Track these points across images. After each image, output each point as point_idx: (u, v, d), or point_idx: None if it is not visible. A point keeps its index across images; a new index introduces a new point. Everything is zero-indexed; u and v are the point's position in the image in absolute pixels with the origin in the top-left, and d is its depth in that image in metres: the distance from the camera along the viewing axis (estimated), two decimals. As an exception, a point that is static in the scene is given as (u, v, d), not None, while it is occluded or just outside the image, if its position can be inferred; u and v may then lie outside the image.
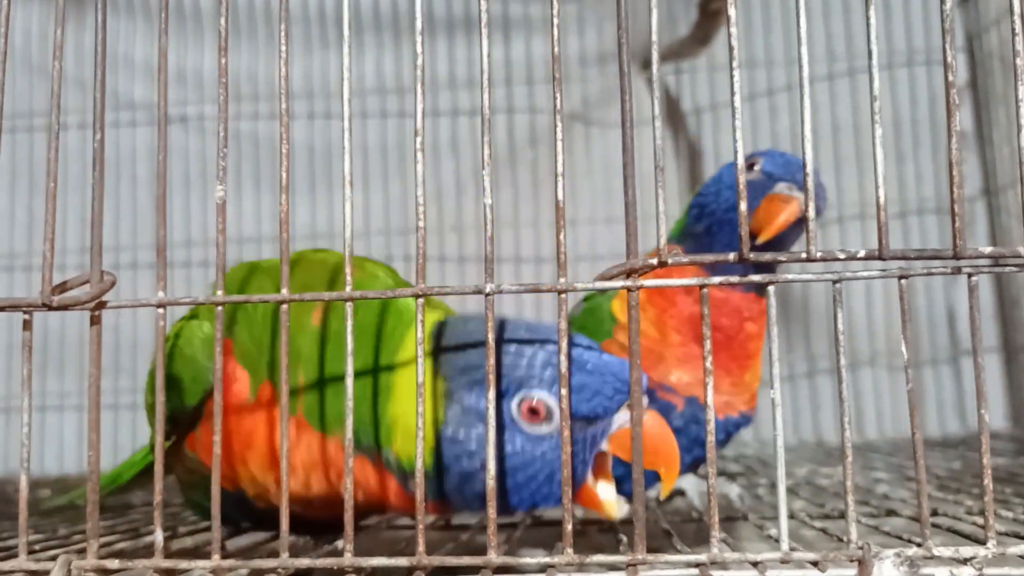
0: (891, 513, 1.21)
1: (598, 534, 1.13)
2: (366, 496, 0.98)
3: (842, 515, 1.23)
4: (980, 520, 1.09)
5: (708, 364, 0.80)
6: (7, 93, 2.57)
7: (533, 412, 0.92)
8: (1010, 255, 0.78)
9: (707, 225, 1.33)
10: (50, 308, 0.83)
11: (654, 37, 0.84)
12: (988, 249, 0.79)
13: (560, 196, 0.83)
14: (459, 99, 2.85)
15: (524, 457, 0.92)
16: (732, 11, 0.83)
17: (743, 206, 0.79)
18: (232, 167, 2.80)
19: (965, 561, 0.77)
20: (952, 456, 1.95)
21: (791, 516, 1.24)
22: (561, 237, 0.82)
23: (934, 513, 1.18)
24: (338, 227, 2.77)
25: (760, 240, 1.25)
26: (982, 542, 0.78)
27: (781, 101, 2.76)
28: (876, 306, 2.59)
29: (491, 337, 0.81)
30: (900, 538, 0.97)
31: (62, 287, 0.84)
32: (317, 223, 2.80)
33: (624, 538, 1.03)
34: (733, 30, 0.82)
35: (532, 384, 0.91)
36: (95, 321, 0.85)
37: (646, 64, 2.86)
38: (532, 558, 0.80)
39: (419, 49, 0.82)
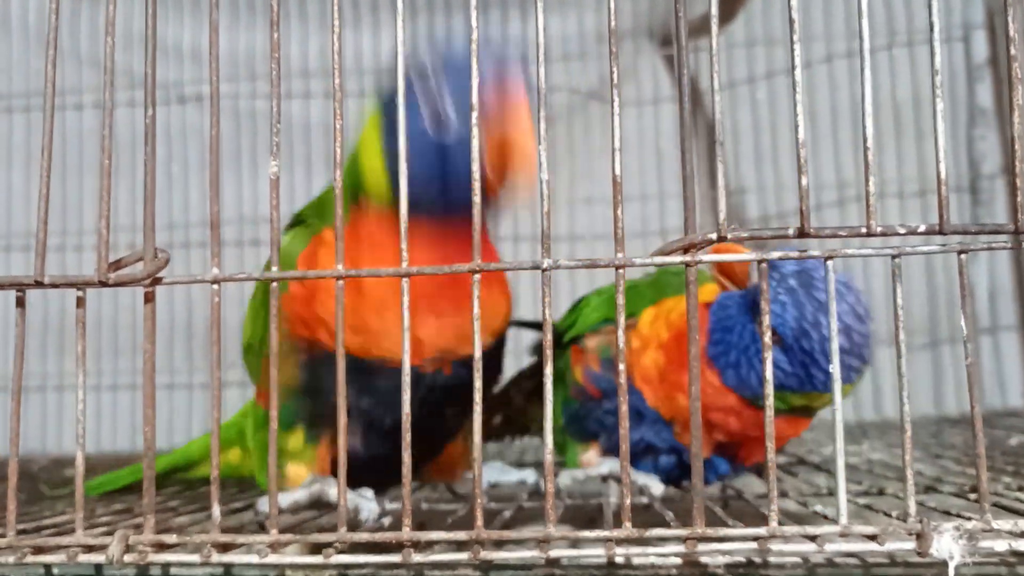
0: (929, 489, 1.21)
1: (643, 512, 1.13)
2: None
3: (880, 492, 1.23)
4: (1022, 495, 1.09)
5: (767, 339, 0.80)
6: (28, 72, 2.56)
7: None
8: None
9: None
10: (106, 285, 0.83)
11: (713, 11, 0.83)
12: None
13: (617, 171, 0.83)
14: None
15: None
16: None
17: (804, 180, 0.79)
18: (251, 146, 2.80)
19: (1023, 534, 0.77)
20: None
21: (829, 494, 1.24)
22: (618, 212, 0.82)
23: (973, 489, 1.18)
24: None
25: None
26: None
27: (803, 78, 2.74)
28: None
29: (547, 312, 0.81)
30: (948, 513, 0.97)
31: (116, 264, 0.84)
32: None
33: (671, 514, 1.03)
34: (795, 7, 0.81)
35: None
36: (149, 298, 0.85)
37: (665, 41, 2.87)
38: (591, 532, 0.80)
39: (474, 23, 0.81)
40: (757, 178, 2.73)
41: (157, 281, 0.84)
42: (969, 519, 0.81)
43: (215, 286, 0.84)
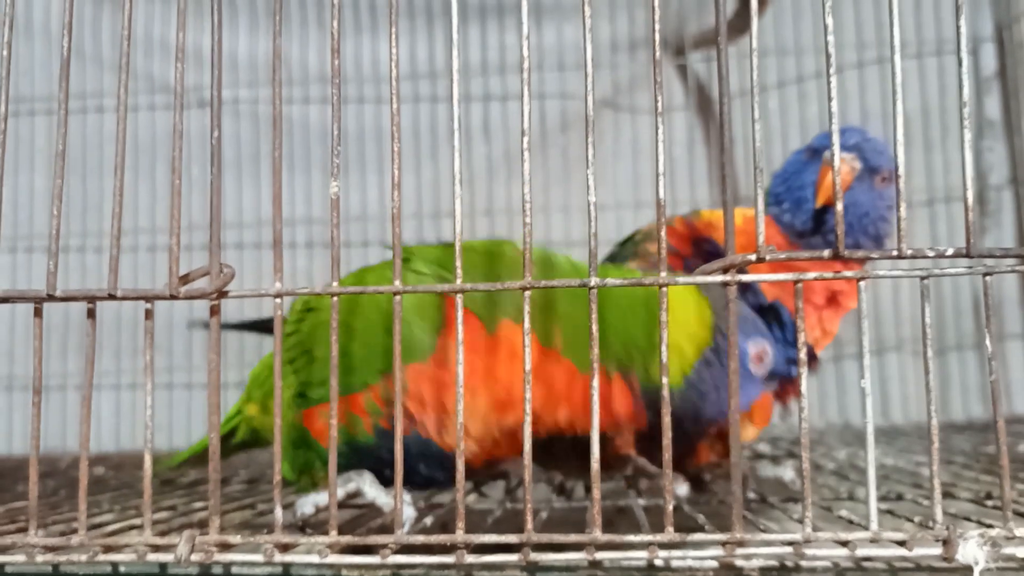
0: (946, 495, 1.26)
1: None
2: (608, 416, 1.12)
3: (899, 497, 1.28)
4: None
5: (802, 355, 0.84)
6: (51, 75, 2.60)
7: (758, 357, 1.17)
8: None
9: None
10: (176, 298, 0.87)
11: (754, 30, 0.87)
12: (1070, 248, 0.83)
13: (662, 194, 0.87)
14: (490, 85, 2.89)
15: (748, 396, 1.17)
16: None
17: (840, 206, 0.83)
18: (264, 152, 2.84)
19: (1045, 542, 0.82)
20: (980, 440, 2.00)
21: (849, 498, 1.29)
22: (662, 233, 0.86)
23: (988, 495, 1.23)
24: (371, 209, 2.81)
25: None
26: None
27: (810, 88, 2.79)
28: (902, 293, 2.64)
29: (595, 328, 0.85)
30: (968, 519, 1.02)
31: (185, 279, 0.88)
32: (350, 206, 2.83)
33: (702, 517, 1.08)
34: (829, 27, 0.85)
35: (757, 335, 1.18)
36: (215, 311, 0.89)
37: (678, 50, 2.91)
38: (635, 536, 0.85)
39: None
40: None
41: (223, 295, 0.89)
42: (991, 526, 0.85)
43: (278, 299, 0.89)
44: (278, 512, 0.87)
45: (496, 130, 2.87)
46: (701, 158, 2.88)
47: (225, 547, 0.87)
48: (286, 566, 0.89)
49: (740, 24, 2.40)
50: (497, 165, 2.85)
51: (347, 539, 0.87)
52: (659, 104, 0.88)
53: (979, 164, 2.66)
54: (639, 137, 2.90)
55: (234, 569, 0.91)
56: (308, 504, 1.14)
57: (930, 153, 2.65)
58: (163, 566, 0.91)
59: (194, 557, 0.86)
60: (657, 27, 0.88)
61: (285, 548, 0.88)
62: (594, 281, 0.86)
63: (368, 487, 1.14)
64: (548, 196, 2.85)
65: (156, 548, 0.88)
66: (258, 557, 0.86)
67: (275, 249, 0.88)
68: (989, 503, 1.18)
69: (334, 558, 0.87)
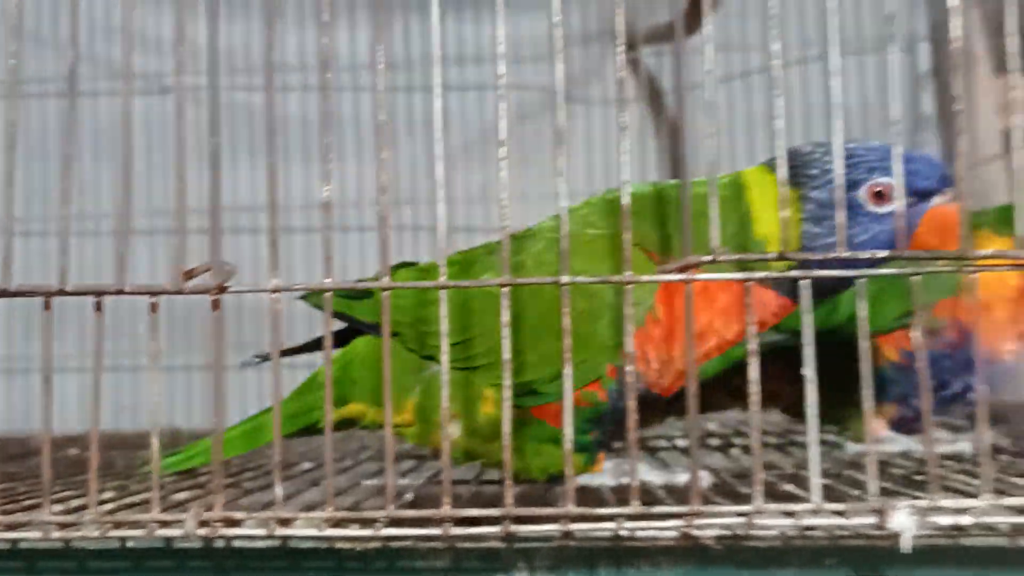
0: (883, 473, 1.38)
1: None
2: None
3: (839, 475, 1.40)
4: (975, 481, 1.26)
5: (754, 345, 0.94)
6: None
7: (879, 195, 1.16)
8: (1012, 255, 0.93)
9: None
10: (181, 293, 0.94)
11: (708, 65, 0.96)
12: (989, 251, 0.94)
13: (626, 201, 0.96)
14: (448, 75, 2.95)
15: (871, 232, 1.16)
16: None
17: (784, 212, 0.93)
18: (227, 137, 2.88)
19: (964, 511, 0.93)
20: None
21: (794, 474, 1.40)
22: (627, 236, 0.95)
23: (917, 472, 1.35)
24: (333, 197, 2.86)
25: None
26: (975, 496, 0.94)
27: (756, 82, 2.90)
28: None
29: (568, 323, 0.94)
30: (902, 493, 1.13)
31: (189, 275, 0.95)
32: (311, 194, 2.88)
33: (662, 492, 1.19)
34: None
35: (876, 174, 1.17)
36: (217, 306, 0.96)
37: (630, 46, 3.00)
38: (604, 509, 0.94)
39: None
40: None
41: (224, 290, 0.96)
42: (920, 498, 0.96)
43: (274, 295, 0.96)
44: (278, 490, 0.95)
45: (454, 120, 2.94)
46: (651, 149, 2.98)
47: (230, 522, 0.95)
48: (285, 539, 0.97)
49: (690, 23, 2.50)
50: (454, 155, 2.92)
51: (342, 514, 0.95)
52: (625, 118, 0.97)
53: (967, 141, 2.79)
54: (592, 128, 2.99)
55: (236, 543, 0.98)
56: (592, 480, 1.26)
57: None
58: (169, 540, 0.98)
59: (200, 532, 0.94)
60: (621, 46, 0.96)
61: (285, 523, 0.95)
62: (565, 279, 0.95)
63: (642, 471, 1.26)
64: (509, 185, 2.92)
65: (164, 524, 0.95)
66: (261, 531, 0.94)
67: (271, 249, 0.96)
68: (920, 478, 1.30)
69: (330, 531, 0.95)
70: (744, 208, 1.19)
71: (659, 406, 1.23)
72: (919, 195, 1.16)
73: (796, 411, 1.79)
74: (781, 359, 1.60)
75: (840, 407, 1.39)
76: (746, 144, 2.78)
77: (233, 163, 2.85)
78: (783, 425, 2.02)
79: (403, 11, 2.97)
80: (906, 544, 0.91)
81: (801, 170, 1.17)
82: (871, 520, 0.92)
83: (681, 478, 1.28)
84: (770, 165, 1.20)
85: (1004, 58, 1.04)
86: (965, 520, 0.92)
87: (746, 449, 1.86)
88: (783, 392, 1.66)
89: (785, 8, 2.89)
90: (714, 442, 1.97)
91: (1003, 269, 1.07)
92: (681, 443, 1.91)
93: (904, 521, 0.91)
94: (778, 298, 1.17)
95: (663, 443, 1.93)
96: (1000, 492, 1.02)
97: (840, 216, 0.95)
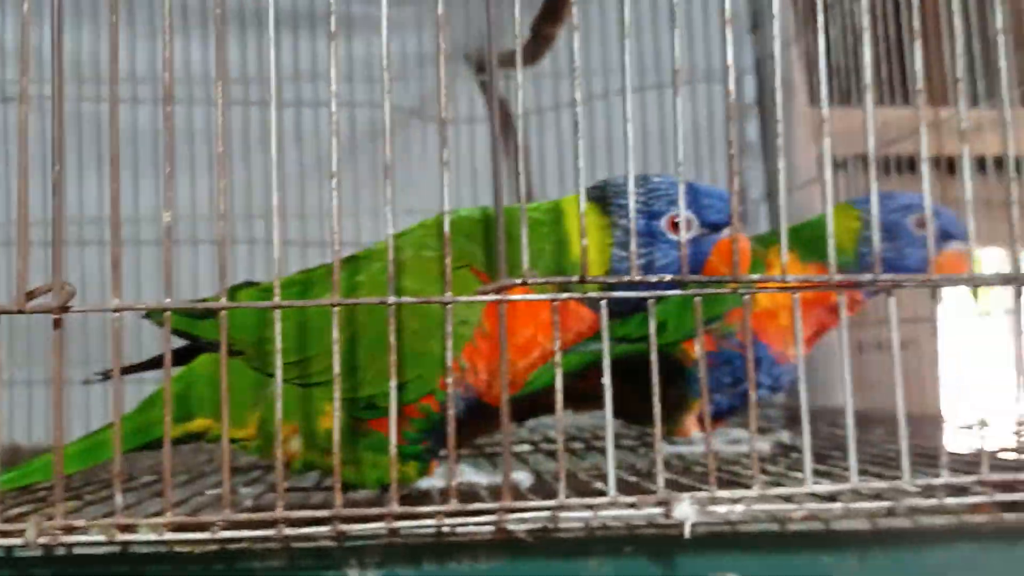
0: (686, 470, 1.53)
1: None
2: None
3: (637, 470, 1.54)
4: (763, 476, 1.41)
5: (559, 359, 1.06)
6: None
7: (677, 226, 1.29)
8: (777, 279, 1.08)
9: None
10: (23, 312, 0.99)
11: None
12: (756, 276, 1.09)
13: (446, 228, 1.06)
14: (302, 91, 3.01)
15: (670, 258, 1.28)
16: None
17: (584, 241, 1.05)
18: (73, 148, 2.85)
19: (738, 500, 1.07)
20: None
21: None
22: (448, 260, 1.05)
23: (719, 469, 1.51)
24: (182, 210, 2.87)
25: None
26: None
27: (598, 108, 3.07)
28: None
29: (393, 340, 1.03)
30: (692, 486, 1.27)
31: (31, 295, 1.00)
32: (179, 205, 2.87)
33: (486, 492, 1.29)
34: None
35: (674, 207, 1.27)
36: (58, 325, 1.01)
37: (480, 67, 3.13)
38: (425, 507, 1.04)
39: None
40: (561, 195, 3.04)
41: (65, 310, 1.01)
42: (703, 490, 1.10)
43: (115, 314, 1.02)
44: (118, 498, 1.01)
45: (308, 135, 2.99)
46: (502, 168, 3.10)
47: (70, 530, 1.00)
48: (125, 544, 1.03)
49: (532, 52, 2.64)
50: (309, 170, 2.97)
51: (181, 518, 1.02)
52: (445, 153, 1.07)
53: (740, 181, 3.03)
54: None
55: (76, 550, 1.04)
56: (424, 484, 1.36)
57: (700, 170, 2.99)
58: (9, 550, 1.02)
59: (41, 540, 0.98)
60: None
61: (125, 528, 1.01)
62: (392, 299, 1.04)
63: (468, 473, 1.40)
64: (358, 200, 3.00)
65: (5, 534, 0.99)
66: (100, 537, 1.00)
67: (113, 271, 1.02)
68: (698, 469, 1.45)
69: (168, 535, 1.01)
70: (562, 233, 1.31)
71: (490, 414, 1.34)
72: (711, 227, 1.32)
73: (625, 414, 1.94)
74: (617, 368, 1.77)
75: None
76: (588, 166, 2.94)
77: (80, 175, 2.83)
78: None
79: (292, 27, 3.02)
80: (688, 531, 1.04)
81: (613, 200, 1.31)
82: (658, 511, 1.05)
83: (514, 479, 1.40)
84: (588, 194, 1.33)
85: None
86: (739, 508, 1.07)
87: (594, 450, 2.00)
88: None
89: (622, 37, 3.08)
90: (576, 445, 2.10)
91: (771, 291, 1.22)
92: (520, 448, 2.03)
93: (686, 511, 1.04)
94: (592, 313, 1.30)
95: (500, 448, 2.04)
96: (775, 484, 1.18)
97: (634, 244, 1.08)
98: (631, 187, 1.09)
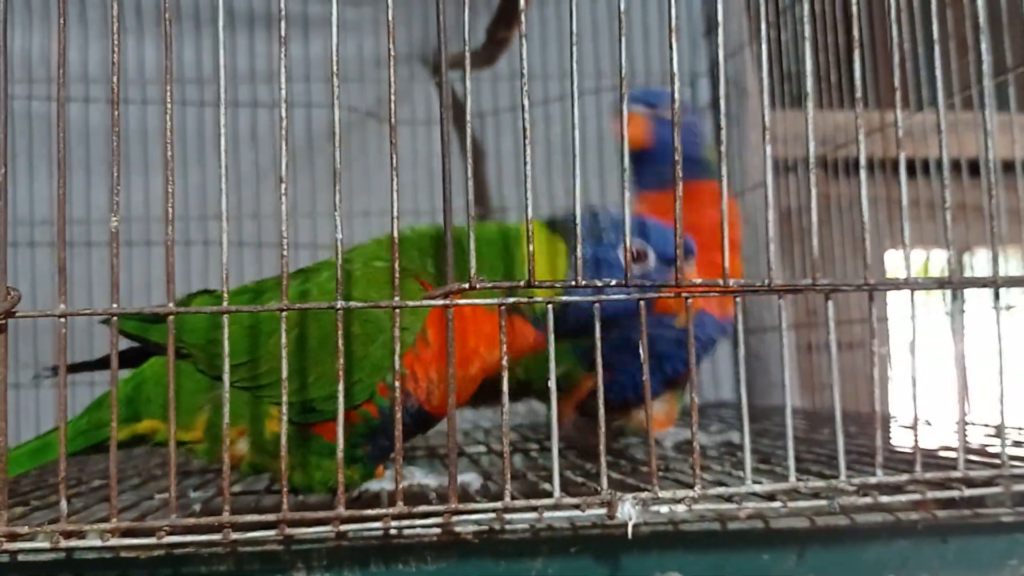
0: (635, 471, 1.55)
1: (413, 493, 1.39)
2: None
3: (588, 472, 1.56)
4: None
5: (505, 368, 1.07)
6: None
7: (635, 256, 1.35)
8: (718, 284, 1.11)
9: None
10: (-34, 319, 0.99)
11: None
12: (699, 280, 1.11)
13: (395, 236, 1.07)
14: (259, 92, 3.00)
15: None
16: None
17: (530, 247, 1.07)
18: (23, 148, 2.82)
19: (680, 500, 1.09)
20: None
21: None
22: (397, 266, 1.07)
23: (660, 468, 1.53)
24: (136, 211, 2.85)
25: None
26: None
27: (555, 110, 3.09)
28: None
29: (341, 344, 1.04)
30: (635, 486, 1.30)
31: (-26, 301, 1.00)
32: (132, 206, 2.85)
33: (433, 494, 1.31)
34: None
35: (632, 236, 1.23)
36: (2, 330, 1.01)
37: (437, 69, 3.14)
38: (372, 510, 1.05)
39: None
40: (517, 197, 3.07)
41: (11, 315, 1.01)
42: (645, 490, 1.12)
43: (62, 320, 1.02)
44: (63, 504, 1.01)
45: (264, 136, 2.98)
46: (458, 170, 3.11)
47: (12, 537, 1.00)
48: (70, 551, 1.03)
49: (487, 57, 2.66)
50: (265, 170, 2.96)
51: (126, 524, 1.02)
52: (394, 160, 1.08)
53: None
54: (402, 147, 3.10)
55: (20, 557, 1.03)
56: (375, 486, 1.38)
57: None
58: (-47, 558, 1.02)
59: (-17, 547, 0.98)
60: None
61: (69, 535, 1.01)
62: (340, 304, 1.05)
63: (418, 475, 1.43)
64: (315, 201, 3.00)
65: (-52, 541, 0.99)
66: (44, 544, 1.00)
67: (60, 276, 1.01)
68: (644, 469, 1.47)
69: (114, 541, 1.01)
70: (514, 252, 1.34)
71: (432, 422, 1.36)
72: (667, 261, 1.36)
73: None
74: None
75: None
76: (543, 168, 2.97)
77: (31, 175, 2.80)
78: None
79: (248, 27, 3.00)
80: (631, 531, 1.06)
81: (572, 229, 1.33)
82: (602, 511, 1.07)
83: (461, 479, 1.41)
84: (545, 222, 1.40)
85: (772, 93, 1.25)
86: (680, 508, 1.09)
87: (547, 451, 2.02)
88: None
89: (582, 42, 3.10)
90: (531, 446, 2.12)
91: (712, 295, 1.25)
92: (472, 449, 2.04)
93: (628, 511, 1.06)
94: (536, 332, 1.34)
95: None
96: (717, 483, 1.20)
97: (579, 251, 1.10)
98: (576, 190, 1.11)
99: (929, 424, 1.95)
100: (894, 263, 2.98)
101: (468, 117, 1.20)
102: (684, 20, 3.14)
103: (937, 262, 2.70)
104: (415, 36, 3.17)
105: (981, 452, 1.49)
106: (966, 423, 1.28)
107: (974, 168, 2.13)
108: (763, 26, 1.23)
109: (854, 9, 1.21)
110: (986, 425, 1.84)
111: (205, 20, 2.99)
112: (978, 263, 2.73)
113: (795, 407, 2.79)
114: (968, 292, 1.23)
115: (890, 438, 1.88)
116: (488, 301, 1.10)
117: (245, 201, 2.92)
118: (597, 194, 2.96)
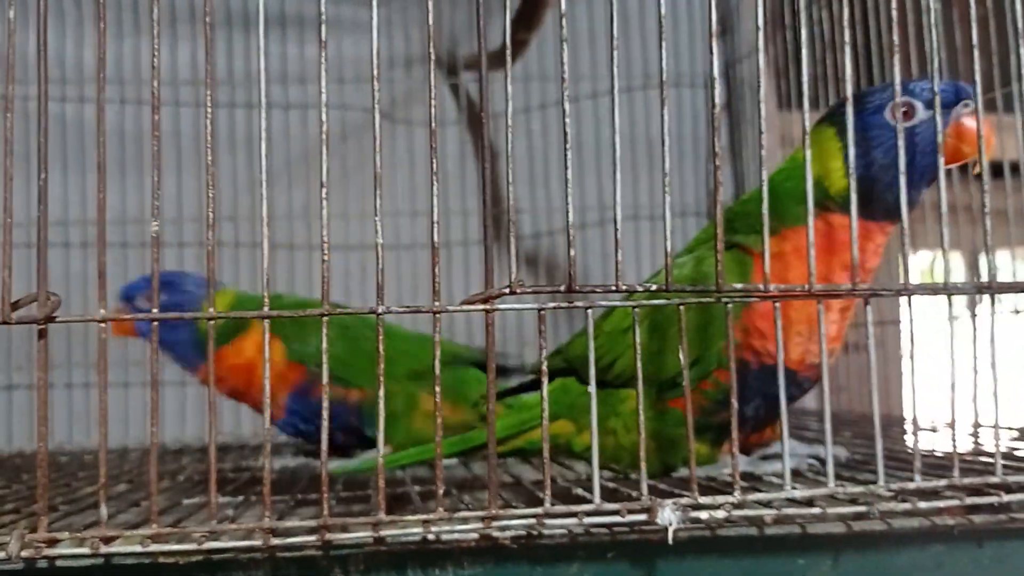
0: (665, 475, 1.55)
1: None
2: None
3: (627, 477, 1.56)
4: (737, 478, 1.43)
5: (544, 366, 1.07)
6: None
7: (905, 113, 1.35)
8: (752, 289, 1.10)
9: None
10: (8, 323, 0.98)
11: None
12: (739, 285, 1.11)
13: (436, 238, 1.07)
14: (273, 93, 2.99)
15: (889, 143, 1.34)
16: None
17: (572, 252, 1.06)
18: (56, 150, 2.81)
19: (719, 506, 1.09)
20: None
21: (588, 479, 1.55)
22: (436, 270, 1.06)
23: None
24: (167, 213, 2.84)
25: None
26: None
27: (571, 110, 3.08)
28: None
29: (381, 347, 1.04)
30: (672, 492, 1.29)
31: (15, 305, 0.99)
32: (128, 208, 2.84)
33: (467, 498, 1.30)
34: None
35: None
36: (43, 335, 1.00)
37: (451, 70, 3.14)
38: (412, 516, 1.05)
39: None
40: (531, 199, 3.07)
41: (51, 320, 1.00)
42: (684, 496, 1.12)
43: (103, 324, 1.01)
44: (103, 510, 1.00)
45: (278, 138, 2.97)
46: (471, 170, 3.12)
47: (53, 543, 0.99)
48: (108, 557, 1.02)
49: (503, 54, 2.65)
50: (279, 173, 2.95)
51: (166, 530, 1.01)
52: (377, 163, 1.08)
53: (709, 183, 3.06)
54: (414, 148, 3.10)
55: (59, 562, 1.03)
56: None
57: (672, 173, 3.01)
58: (-4, 562, 1.01)
59: (24, 553, 0.98)
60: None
61: (108, 540, 1.01)
62: (381, 308, 1.05)
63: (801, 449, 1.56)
64: (327, 202, 2.98)
65: (-8, 545, 0.98)
66: (84, 550, 0.99)
67: (100, 281, 1.01)
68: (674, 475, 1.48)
69: (153, 547, 1.01)
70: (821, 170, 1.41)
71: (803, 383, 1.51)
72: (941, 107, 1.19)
73: None
74: None
75: None
76: (557, 168, 2.97)
77: (64, 177, 2.82)
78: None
79: (227, 28, 2.99)
80: (671, 536, 1.06)
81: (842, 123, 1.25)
82: (642, 517, 1.07)
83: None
84: (829, 119, 1.47)
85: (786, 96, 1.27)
86: (719, 514, 1.09)
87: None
88: None
89: (594, 41, 3.08)
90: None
91: (752, 300, 1.24)
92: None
93: (669, 516, 1.06)
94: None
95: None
96: (754, 489, 1.20)
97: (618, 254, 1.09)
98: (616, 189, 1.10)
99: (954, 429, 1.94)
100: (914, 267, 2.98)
101: (486, 116, 1.17)
102: (699, 21, 3.13)
103: (937, 264, 2.70)
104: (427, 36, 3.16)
105: (1009, 456, 1.49)
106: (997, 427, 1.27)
107: (994, 171, 2.13)
108: (761, 27, 1.21)
109: (845, 12, 1.18)
110: (1010, 428, 1.84)
111: (200, 20, 2.98)
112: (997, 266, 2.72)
113: (812, 409, 2.80)
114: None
115: (916, 442, 1.88)
116: (528, 306, 1.10)
117: (256, 204, 2.91)
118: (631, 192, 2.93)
